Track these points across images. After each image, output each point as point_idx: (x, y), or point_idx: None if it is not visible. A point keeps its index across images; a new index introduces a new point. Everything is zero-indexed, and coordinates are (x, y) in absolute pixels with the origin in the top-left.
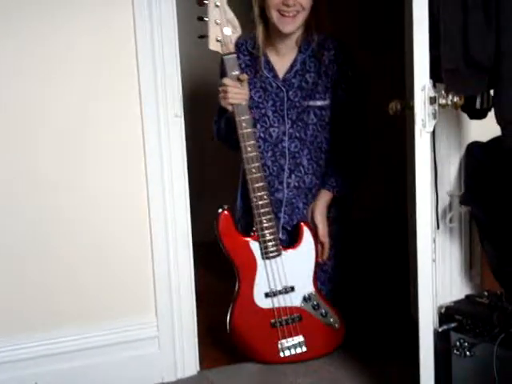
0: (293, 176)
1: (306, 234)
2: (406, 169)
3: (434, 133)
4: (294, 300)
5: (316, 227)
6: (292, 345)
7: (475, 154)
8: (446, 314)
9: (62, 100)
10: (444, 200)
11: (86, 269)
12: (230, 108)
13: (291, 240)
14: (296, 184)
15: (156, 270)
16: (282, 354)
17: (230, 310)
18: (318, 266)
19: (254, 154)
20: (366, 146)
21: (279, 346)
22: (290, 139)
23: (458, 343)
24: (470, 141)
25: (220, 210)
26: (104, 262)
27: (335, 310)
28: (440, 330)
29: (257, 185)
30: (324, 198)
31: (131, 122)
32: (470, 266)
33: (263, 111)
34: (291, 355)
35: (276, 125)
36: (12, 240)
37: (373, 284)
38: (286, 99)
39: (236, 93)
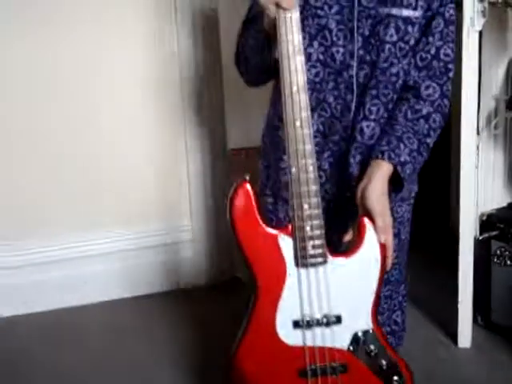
0: (364, 122)
1: (370, 235)
2: None
3: (480, 33)
4: (339, 338)
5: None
6: None
7: None
8: (488, 222)
9: None
10: (489, 105)
11: (127, 176)
12: (272, 11)
13: (336, 236)
14: (369, 133)
15: (191, 176)
16: None
17: (237, 342)
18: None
19: (303, 97)
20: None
21: None
22: (360, 65)
23: (498, 252)
24: None
25: (237, 183)
26: (141, 168)
27: (403, 361)
28: (480, 238)
29: (302, 147)
30: (380, 172)
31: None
32: None
33: (324, 22)
34: None
35: (341, 43)
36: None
37: None
38: (356, 3)
39: None
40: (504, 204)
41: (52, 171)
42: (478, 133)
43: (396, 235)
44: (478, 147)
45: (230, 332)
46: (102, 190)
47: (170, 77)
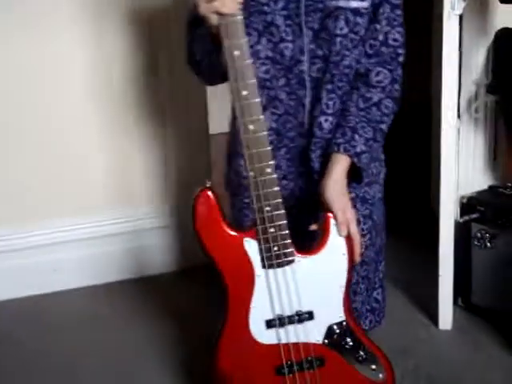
0: (322, 117)
1: (335, 230)
2: (431, 56)
3: (461, 18)
4: (314, 333)
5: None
6: None
7: (505, 41)
8: (468, 205)
9: None
10: (469, 89)
11: (93, 163)
12: (214, 20)
13: (303, 235)
14: (328, 128)
15: (159, 164)
16: None
17: (214, 346)
18: None
19: (254, 101)
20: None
21: None
22: (312, 59)
23: (478, 234)
24: (499, 28)
25: (199, 190)
26: (108, 154)
27: (379, 350)
28: (461, 220)
29: (256, 150)
30: (338, 166)
31: None
32: (494, 158)
33: (270, 18)
34: None
35: (290, 38)
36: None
37: (393, 175)
38: None
39: None
40: (484, 187)
41: (18, 160)
42: (458, 116)
43: (368, 216)
44: (458, 131)
45: (201, 316)
46: (69, 177)
47: (147, 63)
